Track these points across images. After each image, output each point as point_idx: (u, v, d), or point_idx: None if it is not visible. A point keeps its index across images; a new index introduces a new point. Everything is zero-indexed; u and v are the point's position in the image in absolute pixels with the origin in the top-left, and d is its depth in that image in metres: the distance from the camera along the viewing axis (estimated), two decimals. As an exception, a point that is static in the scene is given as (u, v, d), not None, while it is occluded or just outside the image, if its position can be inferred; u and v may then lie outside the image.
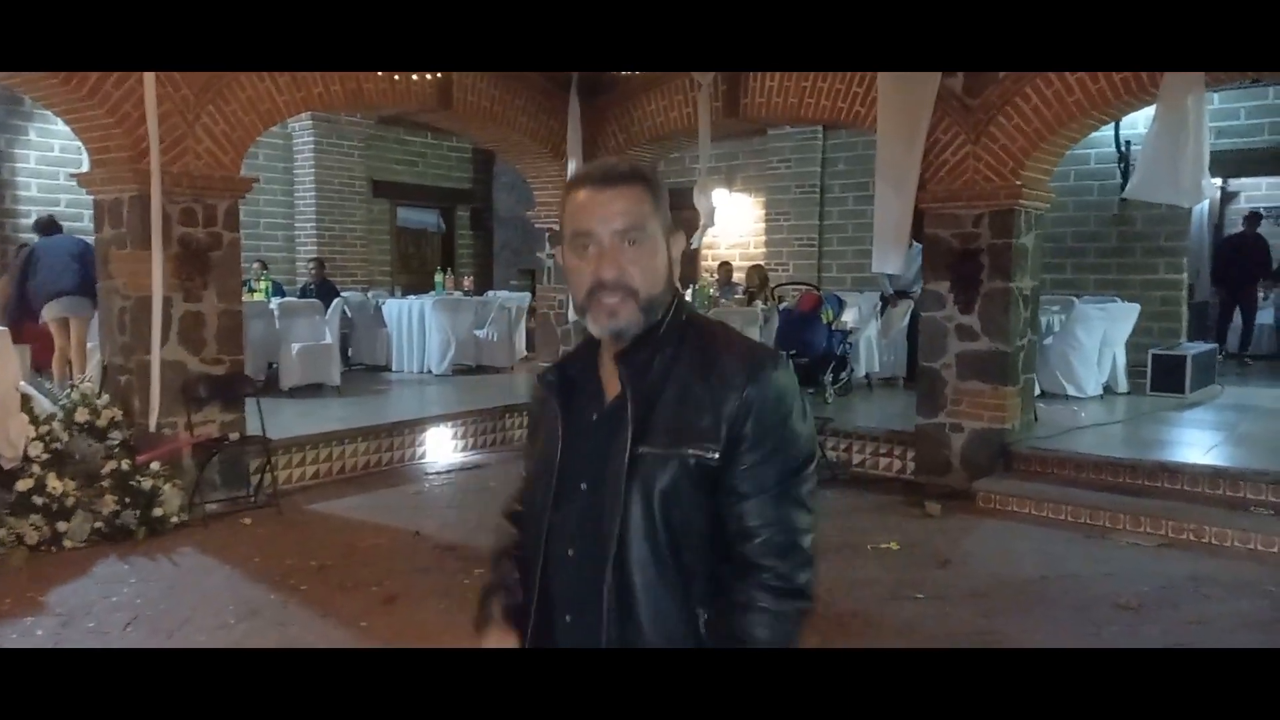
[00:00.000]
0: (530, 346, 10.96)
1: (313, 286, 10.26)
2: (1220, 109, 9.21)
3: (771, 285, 9.60)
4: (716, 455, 1.27)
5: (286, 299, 9.23)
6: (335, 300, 9.21)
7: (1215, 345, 9.59)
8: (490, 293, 11.82)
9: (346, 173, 12.01)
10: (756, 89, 7.17)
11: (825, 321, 8.01)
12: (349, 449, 6.76)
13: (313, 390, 8.33)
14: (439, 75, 7.18)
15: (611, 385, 1.37)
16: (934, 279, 6.52)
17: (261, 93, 6.08)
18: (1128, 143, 9.66)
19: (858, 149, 11.16)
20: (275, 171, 11.61)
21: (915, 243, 7.51)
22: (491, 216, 14.41)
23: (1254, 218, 10.36)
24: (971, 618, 4.19)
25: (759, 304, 8.82)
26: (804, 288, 9.17)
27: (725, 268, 10.83)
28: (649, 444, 1.29)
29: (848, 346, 8.40)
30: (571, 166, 8.27)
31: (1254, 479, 5.51)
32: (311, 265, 10.84)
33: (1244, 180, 11.58)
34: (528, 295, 11.33)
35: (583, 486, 1.33)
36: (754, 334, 7.52)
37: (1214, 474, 5.65)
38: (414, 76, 6.99)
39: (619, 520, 1.28)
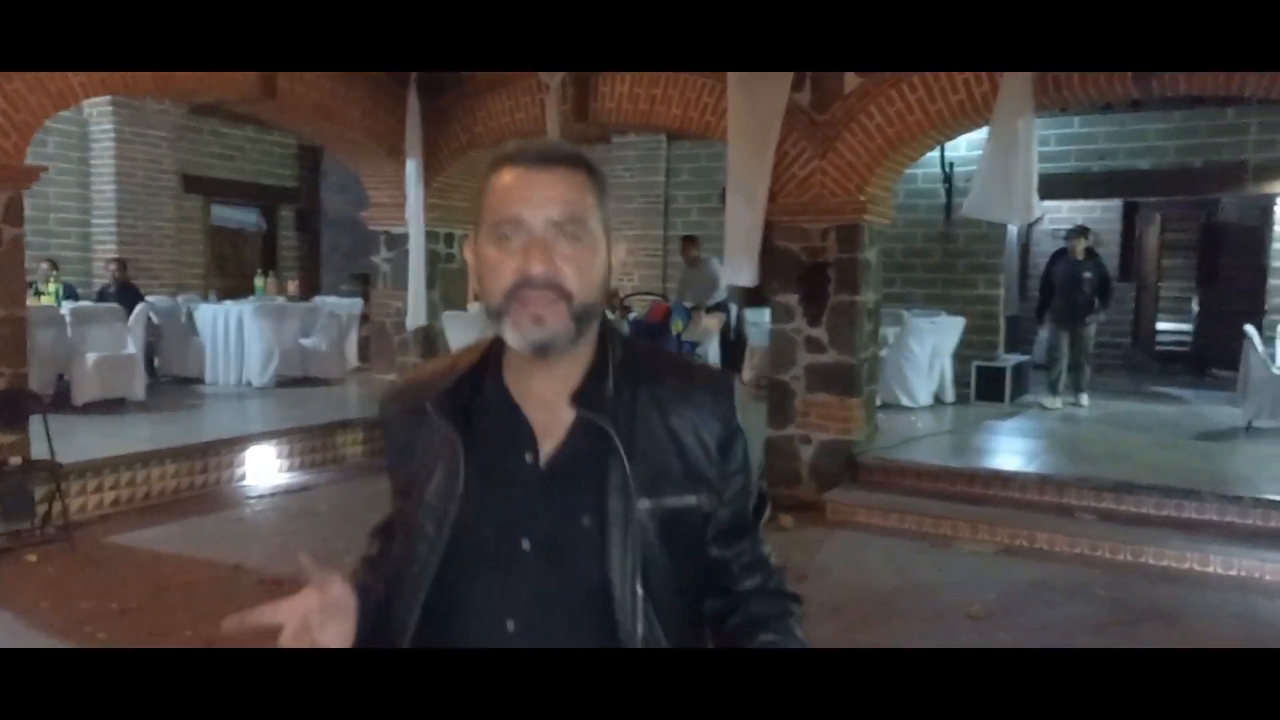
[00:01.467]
0: (364, 357, 10.35)
1: (112, 290, 9.24)
2: (1032, 136, 9.86)
3: (620, 296, 9.48)
4: (714, 499, 1.15)
5: (81, 304, 8.27)
6: (139, 305, 8.34)
7: (1029, 357, 10.21)
8: (318, 299, 11.10)
9: (153, 165, 10.93)
10: (607, 93, 7.01)
11: (675, 332, 7.97)
12: (156, 472, 6.06)
13: (113, 406, 7.46)
14: (263, 62, 6.59)
15: (546, 423, 1.12)
16: (783, 291, 6.57)
17: (51, 72, 5.34)
18: (951, 164, 10.18)
19: (701, 160, 11.24)
20: (69, 161, 10.42)
21: (715, 260, 8.34)
22: (319, 217, 13.57)
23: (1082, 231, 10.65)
24: (833, 633, 4.14)
25: (607, 313, 8.68)
26: (652, 298, 9.11)
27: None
28: (645, 495, 1.09)
29: (695, 357, 8.43)
30: (410, 167, 7.84)
31: (1078, 485, 5.82)
32: (111, 266, 9.77)
33: (1048, 203, 12.48)
34: (360, 302, 10.71)
35: (525, 546, 1.09)
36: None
37: (1042, 481, 5.94)
38: (235, 61, 6.39)
39: (614, 589, 1.07)
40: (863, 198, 6.28)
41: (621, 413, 1.11)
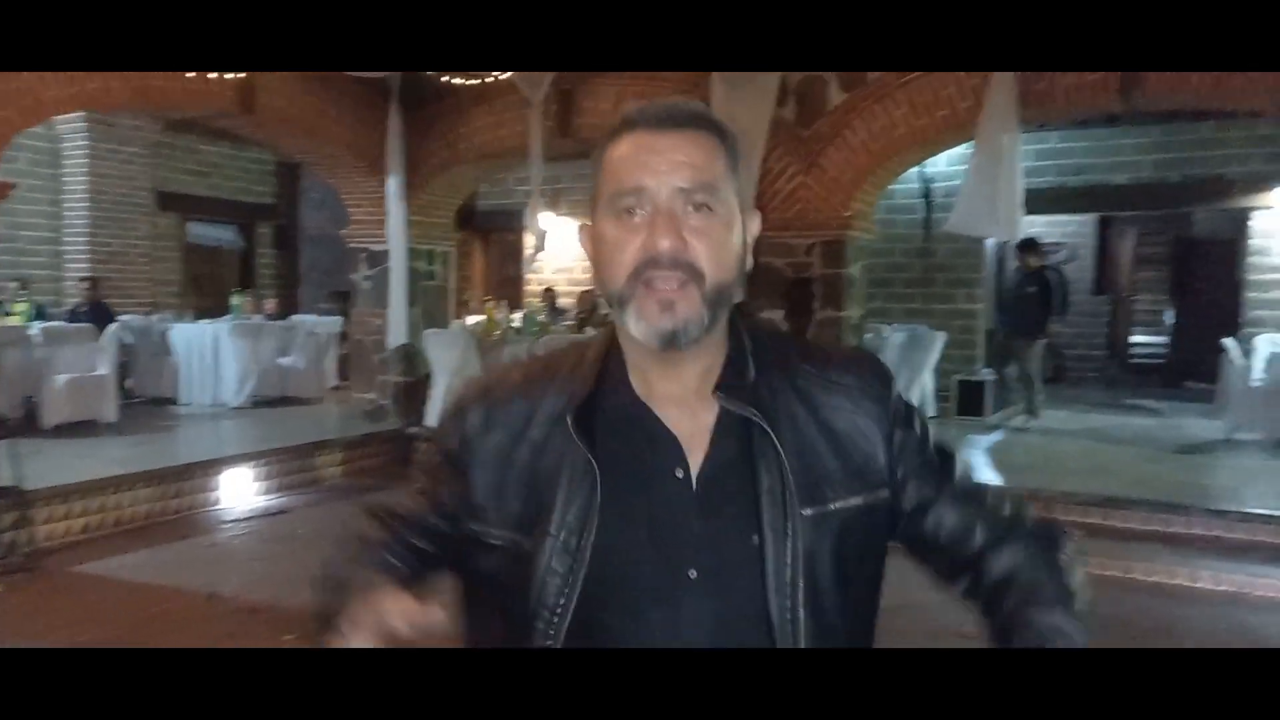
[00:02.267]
0: (343, 375, 10.21)
1: (84, 309, 9.06)
2: (1010, 151, 9.91)
3: (602, 311, 9.43)
4: (887, 492, 1.03)
5: (51, 323, 8.09)
6: (111, 325, 8.16)
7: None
8: (296, 317, 10.95)
9: (128, 182, 10.76)
10: (590, 108, 6.97)
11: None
12: (128, 496, 5.89)
13: (84, 428, 7.28)
14: (240, 75, 6.48)
15: (688, 430, 0.99)
16: (768, 307, 6.53)
17: (22, 86, 5.24)
18: (930, 179, 10.22)
19: (681, 176, 11.22)
20: (39, 178, 10.21)
21: None
22: (298, 235, 13.43)
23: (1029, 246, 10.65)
24: (827, 657, 4.09)
25: (589, 330, 8.65)
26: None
27: (549, 293, 10.64)
28: (807, 503, 0.97)
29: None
30: (391, 183, 7.74)
31: (1064, 501, 5.79)
32: (83, 285, 9.59)
33: (1025, 218, 12.56)
34: (339, 320, 10.58)
35: (691, 575, 0.95)
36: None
37: (1030, 496, 5.90)
38: (210, 75, 6.27)
39: (773, 615, 0.95)
40: (847, 213, 6.27)
41: (764, 408, 0.98)
